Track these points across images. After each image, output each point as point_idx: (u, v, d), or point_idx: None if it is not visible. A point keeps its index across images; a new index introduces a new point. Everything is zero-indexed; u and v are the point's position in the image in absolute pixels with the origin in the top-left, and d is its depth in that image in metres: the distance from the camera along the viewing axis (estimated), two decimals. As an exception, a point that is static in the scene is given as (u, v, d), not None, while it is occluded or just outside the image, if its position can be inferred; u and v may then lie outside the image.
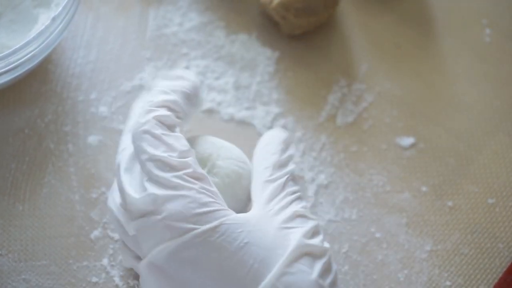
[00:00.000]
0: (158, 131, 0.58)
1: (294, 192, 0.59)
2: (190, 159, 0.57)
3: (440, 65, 0.74)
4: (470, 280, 0.65)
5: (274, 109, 0.71)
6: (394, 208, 0.68)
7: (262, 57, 0.74)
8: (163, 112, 0.59)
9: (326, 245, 0.57)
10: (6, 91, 0.71)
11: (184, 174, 0.56)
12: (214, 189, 0.57)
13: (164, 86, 0.61)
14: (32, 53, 0.66)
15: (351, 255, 0.66)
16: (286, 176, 0.60)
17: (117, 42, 0.74)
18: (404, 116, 0.72)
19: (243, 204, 0.62)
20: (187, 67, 0.73)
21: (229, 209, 0.57)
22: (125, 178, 0.58)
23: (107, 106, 0.71)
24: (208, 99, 0.71)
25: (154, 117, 0.58)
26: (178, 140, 0.58)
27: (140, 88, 0.72)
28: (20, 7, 0.70)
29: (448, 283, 0.65)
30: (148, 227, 0.56)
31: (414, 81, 0.73)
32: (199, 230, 0.55)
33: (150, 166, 0.57)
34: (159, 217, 0.56)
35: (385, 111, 0.72)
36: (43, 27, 0.65)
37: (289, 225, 0.57)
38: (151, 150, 0.57)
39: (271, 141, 0.62)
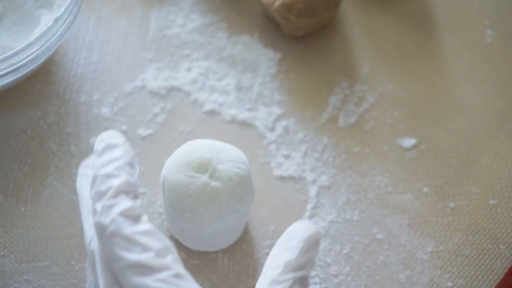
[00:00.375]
0: (128, 230, 0.52)
1: None
2: (169, 259, 0.52)
3: (442, 66, 0.74)
4: (472, 281, 0.65)
5: (276, 110, 0.71)
6: (396, 209, 0.68)
7: (264, 58, 0.74)
8: (125, 203, 0.53)
9: None
10: (9, 92, 0.71)
11: (167, 276, 0.51)
12: (197, 286, 0.53)
13: (105, 165, 0.55)
14: (34, 54, 0.66)
15: (353, 256, 0.66)
16: (294, 280, 0.55)
17: (119, 44, 0.74)
18: (406, 117, 0.72)
19: (246, 204, 0.62)
20: (188, 69, 0.73)
21: None
22: (102, 277, 0.53)
23: (109, 107, 0.71)
24: (210, 101, 0.72)
25: (118, 214, 0.52)
26: (151, 236, 0.52)
27: (141, 89, 0.72)
28: (22, 8, 0.70)
29: (449, 284, 0.65)
30: None
31: (415, 82, 0.73)
32: None
33: (129, 274, 0.51)
34: None
35: (387, 112, 0.72)
36: (45, 28, 0.65)
37: None
38: (126, 255, 0.51)
39: (294, 236, 0.56)
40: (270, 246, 0.66)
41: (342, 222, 0.67)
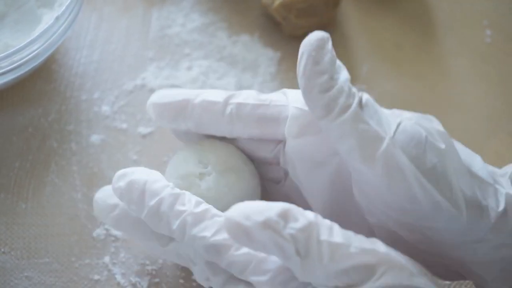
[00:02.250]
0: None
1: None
2: None
3: (441, 66, 0.74)
4: (470, 283, 0.65)
5: (276, 109, 0.72)
6: (395, 207, 0.68)
7: (264, 57, 0.74)
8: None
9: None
10: (10, 90, 0.71)
11: None
12: None
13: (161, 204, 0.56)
14: (36, 52, 0.66)
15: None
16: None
17: (120, 42, 0.74)
18: (405, 117, 0.72)
19: None
20: (189, 68, 0.73)
21: None
22: None
23: (110, 106, 0.71)
24: (210, 99, 0.72)
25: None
26: None
27: (142, 88, 0.72)
28: (24, 7, 0.71)
29: (447, 282, 0.65)
30: None
31: (414, 81, 0.73)
32: None
33: None
34: None
35: (386, 112, 0.72)
36: (47, 26, 0.66)
37: None
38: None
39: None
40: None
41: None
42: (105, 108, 0.71)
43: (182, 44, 0.74)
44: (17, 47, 0.65)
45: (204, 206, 0.56)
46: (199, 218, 0.55)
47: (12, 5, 0.71)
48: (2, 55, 0.65)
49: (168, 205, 0.56)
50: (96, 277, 0.64)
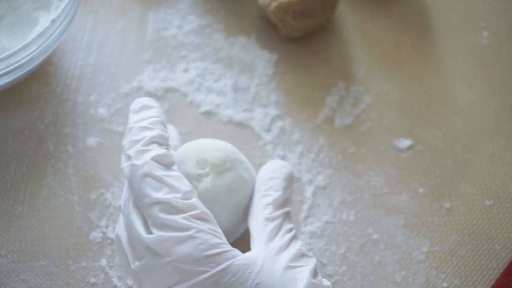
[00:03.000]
0: (159, 172, 0.56)
1: (290, 230, 0.58)
2: (195, 200, 0.56)
3: (438, 67, 0.74)
4: (467, 282, 0.65)
5: (273, 111, 0.72)
6: (392, 209, 0.68)
7: (260, 59, 0.74)
8: (159, 150, 0.57)
9: (327, 282, 0.57)
10: (6, 92, 0.71)
11: (191, 216, 0.55)
12: (219, 229, 0.56)
13: (141, 120, 0.59)
14: (32, 54, 0.66)
15: (349, 256, 0.66)
16: (284, 215, 0.59)
17: (117, 45, 0.74)
18: (402, 118, 0.72)
19: (242, 212, 0.62)
20: (185, 70, 0.73)
21: (235, 249, 0.56)
22: (134, 214, 0.57)
23: (106, 108, 0.71)
24: (207, 101, 0.72)
25: (152, 158, 0.56)
26: (180, 180, 0.57)
27: (138, 90, 0.72)
28: (20, 9, 0.71)
29: (445, 284, 0.65)
30: (153, 270, 0.55)
31: (412, 83, 0.73)
32: (211, 272, 0.54)
33: (155, 210, 0.55)
34: (167, 259, 0.54)
35: (383, 113, 0.72)
36: (43, 29, 0.66)
37: (294, 264, 0.56)
38: (154, 194, 0.55)
39: (275, 176, 0.61)
40: (266, 246, 0.66)
41: (338, 222, 0.67)
42: (102, 111, 0.71)
43: (178, 46, 0.74)
44: (13, 50, 0.65)
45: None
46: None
47: (9, 7, 0.71)
48: (-2, 58, 0.65)
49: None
50: (93, 280, 0.64)
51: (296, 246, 0.57)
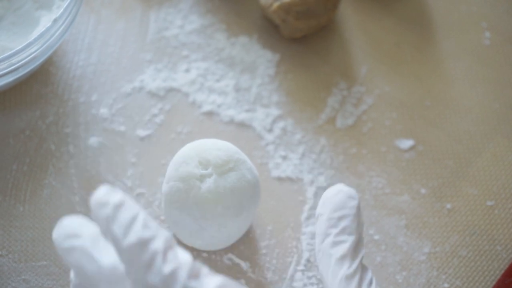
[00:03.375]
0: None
1: (371, 282, 0.54)
2: None
3: (440, 67, 0.74)
4: (468, 282, 0.65)
5: (274, 111, 0.72)
6: (393, 210, 0.68)
7: (262, 59, 0.74)
8: (184, 264, 0.47)
9: None
10: (8, 92, 0.71)
11: None
12: None
13: (129, 231, 0.46)
14: (34, 54, 0.66)
15: (350, 256, 0.66)
16: (361, 262, 0.53)
17: (118, 45, 0.74)
18: (404, 119, 0.72)
19: (252, 208, 0.62)
20: (187, 70, 0.73)
21: None
22: None
23: (107, 108, 0.71)
24: (209, 101, 0.72)
25: (188, 279, 0.46)
26: (229, 284, 0.47)
27: (140, 90, 0.72)
28: (21, 9, 0.71)
29: (446, 285, 0.65)
30: None
31: (413, 83, 0.73)
32: None
33: None
34: None
35: (385, 114, 0.72)
36: (44, 29, 0.66)
37: None
38: None
39: (345, 213, 0.53)
40: (268, 247, 0.66)
41: (339, 223, 0.67)
42: (103, 111, 0.71)
43: (180, 46, 0.74)
44: (15, 50, 0.65)
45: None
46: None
47: (10, 7, 0.71)
48: (-1, 57, 0.65)
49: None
50: (94, 280, 0.64)
51: None
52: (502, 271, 0.66)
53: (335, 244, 0.53)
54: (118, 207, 0.47)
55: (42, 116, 0.70)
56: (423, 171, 0.70)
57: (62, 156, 0.69)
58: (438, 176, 0.69)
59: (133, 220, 0.46)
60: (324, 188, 0.68)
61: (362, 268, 0.54)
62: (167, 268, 0.45)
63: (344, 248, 0.52)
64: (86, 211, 0.66)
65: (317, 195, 0.68)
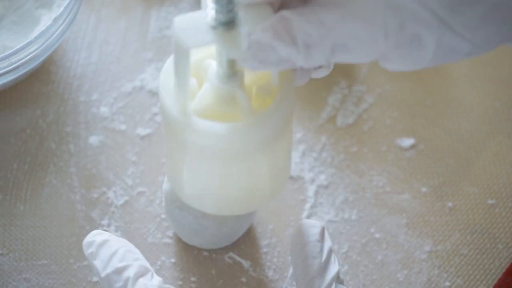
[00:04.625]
0: None
1: None
2: None
3: (441, 66, 0.74)
4: (470, 281, 0.65)
5: (275, 110, 0.71)
6: (394, 208, 0.68)
7: (263, 58, 0.74)
8: (153, 285, 0.54)
9: None
10: (8, 91, 0.71)
11: None
12: None
13: (108, 264, 0.55)
14: (34, 53, 0.66)
15: (351, 255, 0.66)
16: (334, 282, 0.56)
17: (119, 44, 0.74)
18: (404, 117, 0.72)
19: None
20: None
21: None
22: None
23: (108, 107, 0.71)
24: (209, 100, 0.72)
25: None
26: None
27: (141, 89, 0.72)
28: (22, 8, 0.71)
29: (447, 283, 0.65)
30: None
31: (414, 82, 0.73)
32: None
33: None
34: None
35: (386, 112, 0.72)
36: (45, 27, 0.66)
37: None
38: None
39: (308, 241, 0.57)
40: (269, 246, 0.66)
41: (340, 221, 0.67)
42: (104, 110, 0.71)
43: (180, 45, 0.74)
44: (15, 49, 0.65)
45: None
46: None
47: (10, 6, 0.71)
48: (0, 56, 0.65)
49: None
50: (95, 279, 0.64)
51: None
52: (504, 270, 0.65)
53: (303, 269, 0.56)
54: (101, 245, 0.55)
55: (43, 115, 0.70)
56: (424, 169, 0.70)
57: (63, 155, 0.69)
58: (439, 174, 0.69)
59: (112, 255, 0.55)
60: (325, 187, 0.68)
61: (337, 285, 0.56)
62: None
63: (312, 271, 0.55)
64: (87, 209, 0.66)
65: (318, 193, 0.68)
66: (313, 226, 0.57)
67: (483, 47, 0.51)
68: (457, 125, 0.72)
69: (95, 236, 0.56)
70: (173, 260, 0.65)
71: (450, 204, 0.68)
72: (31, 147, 0.69)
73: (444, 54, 0.50)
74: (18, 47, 0.65)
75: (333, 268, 0.56)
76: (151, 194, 0.68)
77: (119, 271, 0.54)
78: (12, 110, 0.70)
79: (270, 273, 0.65)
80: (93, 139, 0.69)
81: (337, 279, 0.56)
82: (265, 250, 0.66)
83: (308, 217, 0.67)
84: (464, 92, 0.73)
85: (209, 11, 0.50)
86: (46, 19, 0.69)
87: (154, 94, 0.72)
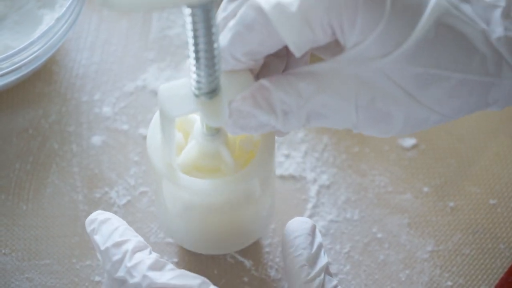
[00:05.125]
0: (161, 280, 0.55)
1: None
2: None
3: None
4: (471, 281, 0.65)
5: (277, 110, 0.72)
6: (396, 208, 0.68)
7: (264, 58, 0.74)
8: (148, 258, 0.55)
9: None
10: (11, 91, 0.71)
11: None
12: None
13: (109, 238, 0.57)
14: (36, 53, 0.66)
15: (353, 255, 0.66)
16: (323, 272, 0.57)
17: (121, 44, 0.74)
18: (406, 117, 0.72)
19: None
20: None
21: None
22: None
23: (110, 107, 0.71)
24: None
25: (147, 269, 0.55)
26: (184, 277, 0.55)
27: (143, 89, 0.72)
28: (24, 8, 0.71)
29: (449, 283, 0.65)
30: None
31: (416, 82, 0.73)
32: None
33: None
34: None
35: (387, 112, 0.72)
36: (47, 27, 0.66)
37: None
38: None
39: (298, 234, 0.59)
40: (271, 245, 0.66)
41: (342, 221, 0.67)
42: (106, 110, 0.71)
43: (183, 45, 0.74)
44: (18, 49, 0.65)
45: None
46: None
47: (12, 6, 0.71)
48: (2, 56, 0.65)
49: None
50: (97, 278, 0.64)
51: None
52: (505, 269, 0.66)
53: (294, 259, 0.57)
54: (103, 222, 0.57)
55: (45, 115, 0.71)
56: (426, 170, 0.70)
57: (65, 155, 0.69)
58: (441, 174, 0.69)
59: (113, 231, 0.57)
60: (327, 187, 0.68)
61: (327, 278, 0.57)
62: (131, 263, 0.55)
63: (301, 259, 0.57)
64: (89, 209, 0.66)
65: (320, 193, 0.68)
66: (305, 222, 0.59)
67: (453, 116, 0.54)
68: (458, 125, 0.72)
69: (98, 215, 0.58)
70: (175, 259, 0.65)
71: (451, 204, 0.68)
72: (34, 147, 0.69)
73: (414, 125, 0.54)
74: (20, 47, 0.65)
75: (323, 260, 0.58)
76: (153, 194, 0.68)
77: (118, 244, 0.56)
78: (14, 110, 0.71)
79: (272, 273, 0.65)
80: (96, 139, 0.70)
81: (326, 270, 0.57)
82: (267, 249, 0.66)
83: (310, 217, 0.67)
84: (466, 92, 0.73)
85: (191, 80, 0.53)
86: (48, 19, 0.69)
87: (156, 93, 0.72)
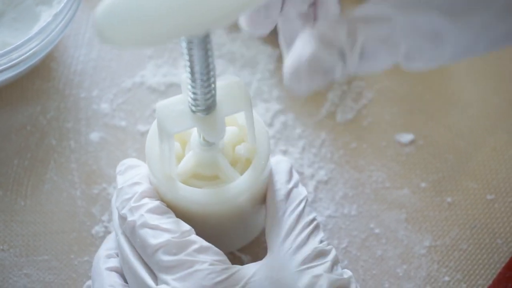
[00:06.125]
0: (155, 221, 0.57)
1: (311, 222, 0.58)
2: (193, 236, 0.56)
3: (440, 62, 0.74)
4: (469, 276, 0.65)
5: (275, 106, 0.72)
6: (394, 204, 0.68)
7: (263, 55, 0.74)
8: (151, 203, 0.58)
9: (348, 274, 0.57)
10: (9, 88, 0.71)
11: (194, 250, 0.56)
12: (223, 256, 0.57)
13: (128, 180, 0.59)
14: (34, 49, 0.66)
15: (351, 250, 0.66)
16: (301, 205, 0.58)
17: (119, 40, 0.74)
18: (404, 113, 0.72)
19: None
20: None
21: (245, 265, 0.56)
22: (140, 267, 0.57)
23: (108, 103, 0.71)
24: (209, 96, 0.72)
25: (146, 211, 0.57)
26: (176, 223, 0.57)
27: (141, 85, 0.72)
28: (22, 5, 0.71)
29: (446, 278, 0.65)
30: None
31: (413, 78, 0.73)
32: None
33: (158, 256, 0.55)
34: None
35: (385, 108, 0.72)
36: (45, 24, 0.66)
37: (309, 265, 0.56)
38: (154, 241, 0.56)
39: (278, 171, 0.60)
40: (268, 241, 0.66)
41: (339, 216, 0.67)
42: (104, 106, 0.71)
43: (180, 42, 0.74)
44: (15, 45, 0.65)
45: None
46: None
47: (10, 3, 0.71)
48: (0, 52, 0.65)
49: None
50: (95, 274, 0.64)
51: (313, 244, 0.57)
52: (503, 265, 0.66)
53: (273, 192, 0.59)
54: (131, 167, 0.60)
55: (43, 111, 0.71)
56: (423, 165, 0.70)
57: (63, 151, 0.69)
58: (438, 170, 0.69)
59: (135, 175, 0.59)
60: (324, 182, 0.68)
61: (306, 210, 0.58)
62: (135, 204, 0.57)
63: (280, 194, 0.59)
64: (87, 205, 0.67)
65: (318, 189, 0.68)
66: (283, 161, 0.61)
67: (503, 41, 0.51)
68: (456, 121, 0.72)
69: (130, 161, 0.61)
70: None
71: (449, 199, 0.68)
72: (32, 143, 0.69)
73: (463, 51, 0.51)
74: (18, 43, 0.65)
75: (301, 191, 0.59)
76: (151, 190, 0.68)
77: (131, 186, 0.59)
78: (12, 107, 0.71)
79: (270, 268, 0.65)
80: (94, 135, 0.70)
81: (306, 201, 0.59)
82: (264, 245, 0.66)
83: (308, 212, 0.67)
84: (463, 88, 0.73)
85: (188, 97, 0.54)
86: (46, 15, 0.69)
87: (154, 90, 0.72)
